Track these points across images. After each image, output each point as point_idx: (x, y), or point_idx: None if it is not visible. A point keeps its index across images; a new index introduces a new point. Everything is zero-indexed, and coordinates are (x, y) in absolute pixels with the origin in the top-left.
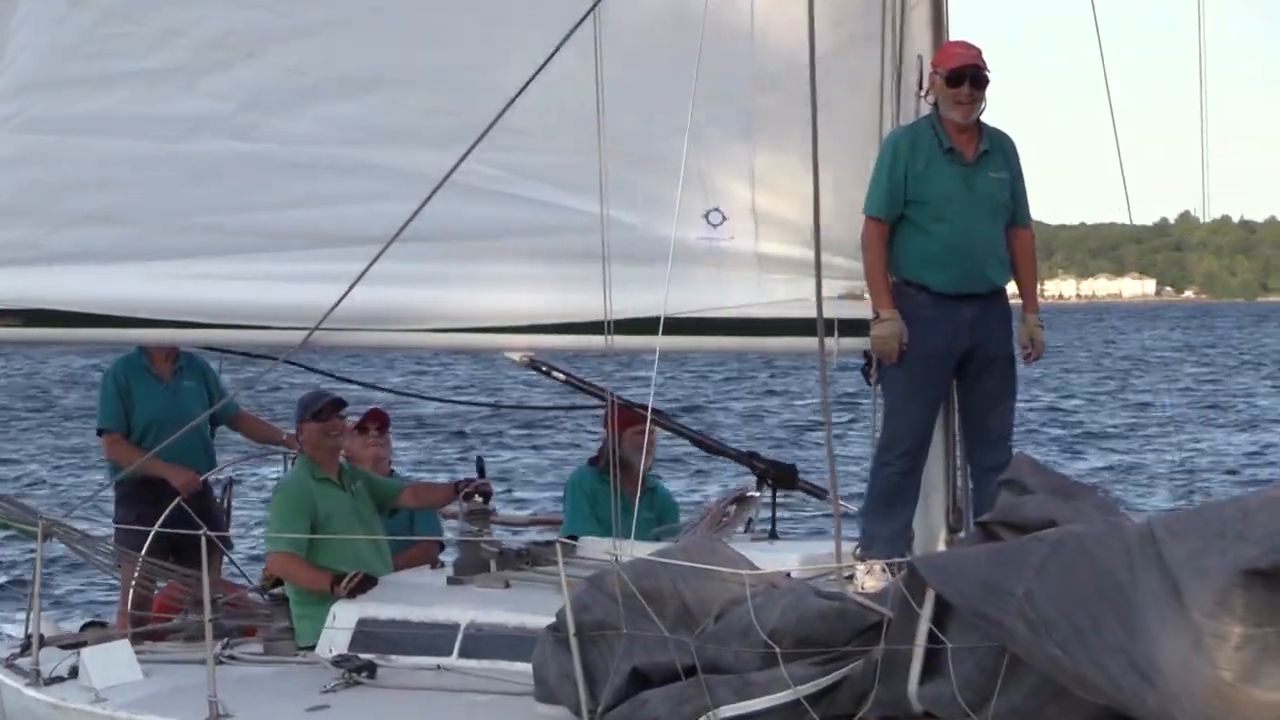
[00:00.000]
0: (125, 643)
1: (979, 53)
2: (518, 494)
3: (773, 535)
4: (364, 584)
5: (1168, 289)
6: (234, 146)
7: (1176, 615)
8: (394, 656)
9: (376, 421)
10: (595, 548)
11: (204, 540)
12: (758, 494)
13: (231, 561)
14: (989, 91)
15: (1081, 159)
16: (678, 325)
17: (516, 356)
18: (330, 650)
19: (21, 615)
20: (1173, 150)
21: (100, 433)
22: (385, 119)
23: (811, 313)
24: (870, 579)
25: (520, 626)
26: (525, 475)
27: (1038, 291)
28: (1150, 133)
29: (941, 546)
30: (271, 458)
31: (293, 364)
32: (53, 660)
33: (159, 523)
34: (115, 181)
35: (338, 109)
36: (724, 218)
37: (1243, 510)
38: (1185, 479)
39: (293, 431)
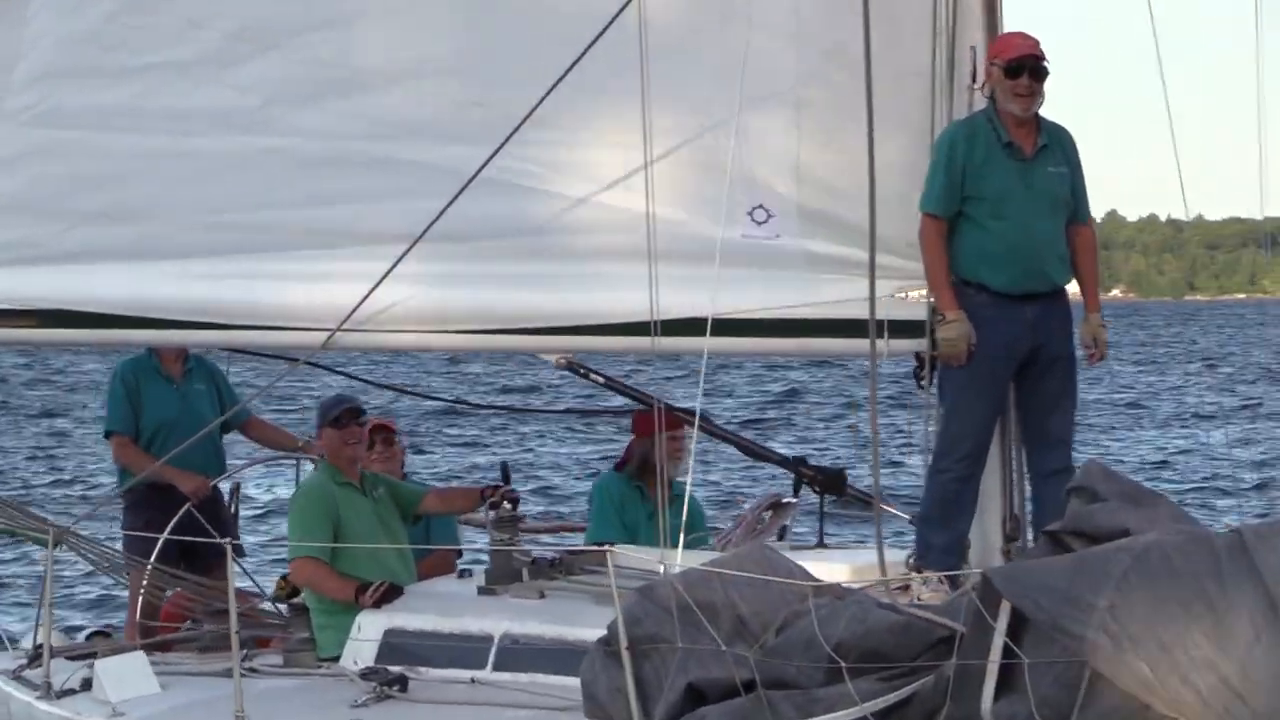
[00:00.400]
0: (141, 654)
1: (1037, 43)
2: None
3: (820, 544)
4: (390, 593)
5: None
6: (257, 141)
7: (1273, 628)
8: (423, 669)
9: (381, 434)
10: (633, 556)
11: (229, 549)
12: (795, 500)
13: (244, 571)
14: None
15: None
16: (724, 326)
17: (553, 358)
18: (355, 662)
19: (19, 624)
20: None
21: (108, 435)
22: (414, 112)
23: (861, 313)
24: (927, 590)
25: (559, 639)
26: (542, 479)
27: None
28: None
29: (998, 556)
30: (283, 463)
31: (314, 365)
32: (62, 672)
33: (168, 529)
34: (133, 177)
35: (365, 102)
36: (769, 215)
37: None
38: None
39: (308, 438)
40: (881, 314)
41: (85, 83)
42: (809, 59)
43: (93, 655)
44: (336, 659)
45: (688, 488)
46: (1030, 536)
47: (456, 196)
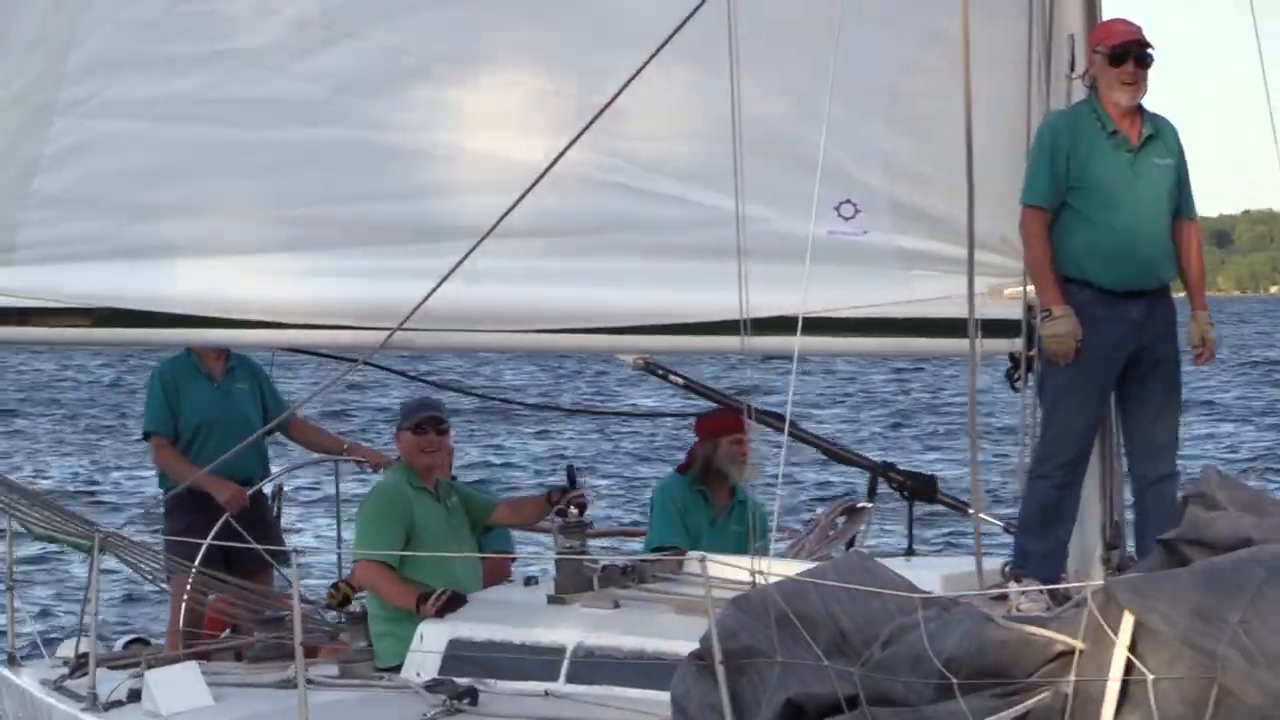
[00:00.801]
0: (193, 665)
1: (1140, 29)
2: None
3: (909, 552)
4: (452, 602)
5: None
6: (326, 133)
7: None
8: (491, 681)
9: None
10: (726, 565)
11: (294, 556)
12: (869, 505)
13: (282, 575)
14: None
15: None
16: (814, 325)
17: (629, 359)
18: (418, 674)
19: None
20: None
21: (146, 436)
22: (492, 103)
23: (954, 311)
24: (1026, 600)
25: (638, 651)
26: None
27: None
28: None
29: (1098, 564)
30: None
31: (375, 366)
32: (105, 682)
33: (211, 535)
34: (195, 171)
35: (441, 93)
36: (856, 210)
37: None
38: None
39: (354, 440)
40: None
41: (145, 72)
42: (902, 47)
43: (135, 664)
44: (396, 669)
45: (779, 494)
46: (1131, 545)
47: (529, 190)
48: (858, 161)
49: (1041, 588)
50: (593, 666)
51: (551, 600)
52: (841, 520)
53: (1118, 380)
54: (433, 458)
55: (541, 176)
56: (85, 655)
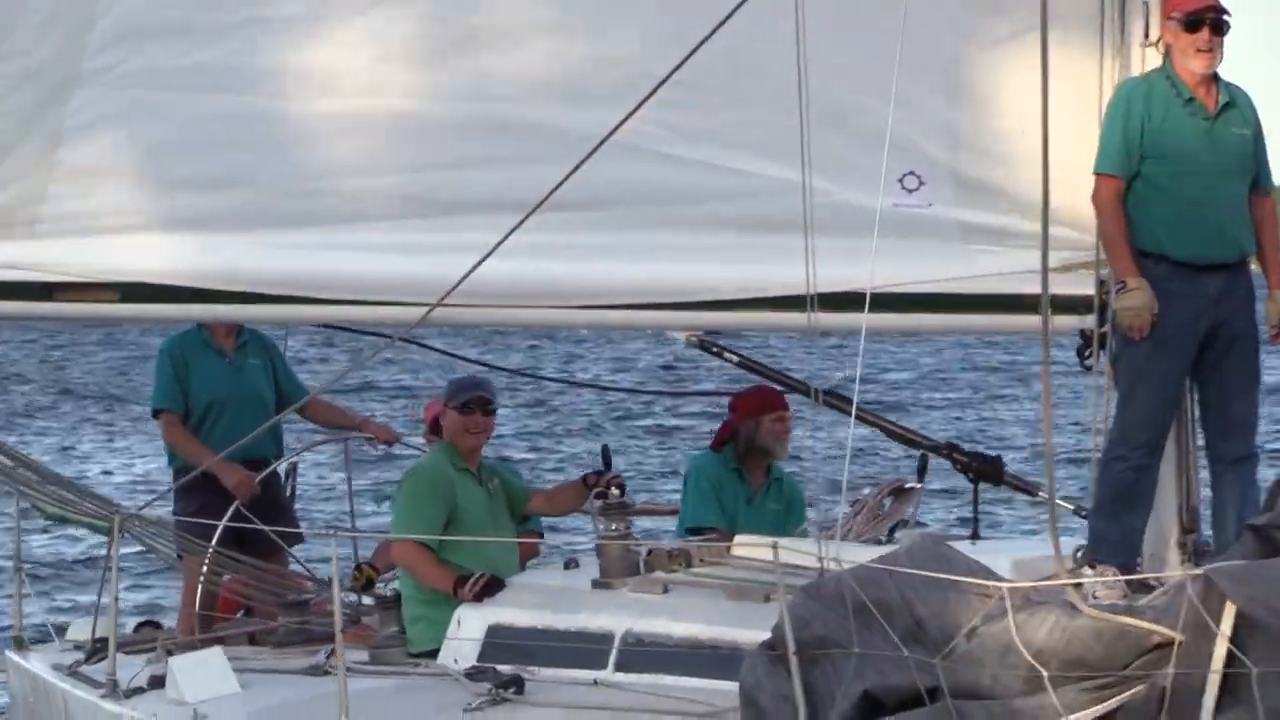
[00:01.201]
0: (218, 650)
1: None
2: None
3: (975, 535)
4: (491, 586)
5: None
6: (364, 104)
7: None
8: (534, 669)
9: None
10: (797, 551)
11: (334, 541)
12: (919, 485)
13: (296, 559)
14: None
15: None
16: (880, 301)
17: (682, 336)
18: (456, 661)
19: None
20: None
21: (156, 414)
22: (542, 72)
23: (1020, 287)
24: (1102, 588)
25: (691, 638)
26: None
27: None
28: None
29: (1173, 550)
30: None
31: (413, 343)
32: (123, 668)
33: (227, 516)
34: (225, 142)
35: (486, 61)
36: (920, 182)
37: None
38: None
39: (366, 415)
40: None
41: (175, 41)
42: (966, 15)
43: (151, 648)
44: (429, 655)
45: (844, 475)
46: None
47: (584, 161)
48: (921, 132)
49: (1128, 576)
50: (643, 654)
51: (596, 585)
52: (889, 502)
53: (1194, 358)
54: (478, 439)
55: (598, 147)
56: (102, 640)
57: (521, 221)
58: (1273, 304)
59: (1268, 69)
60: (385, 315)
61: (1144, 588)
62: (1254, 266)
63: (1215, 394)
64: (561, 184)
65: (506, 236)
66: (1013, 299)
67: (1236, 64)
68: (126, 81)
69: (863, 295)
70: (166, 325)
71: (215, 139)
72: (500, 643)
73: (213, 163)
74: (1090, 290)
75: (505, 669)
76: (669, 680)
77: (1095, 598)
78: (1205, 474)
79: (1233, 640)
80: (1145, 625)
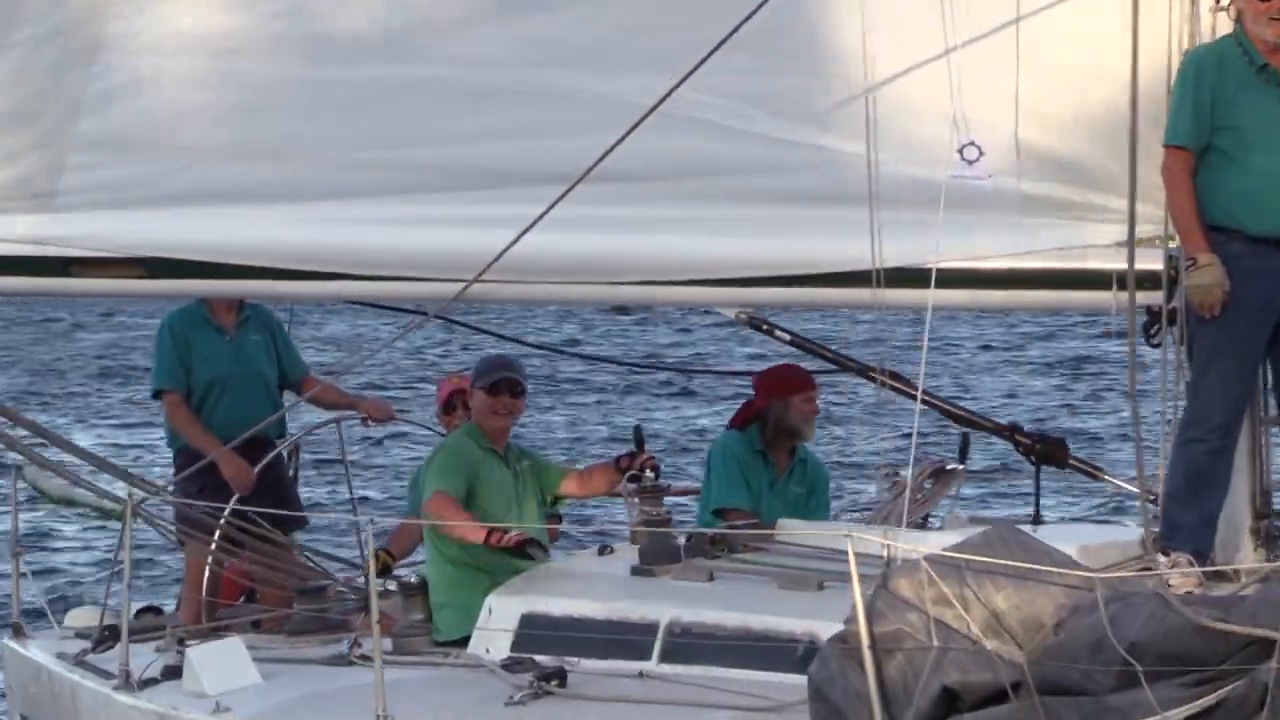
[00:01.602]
0: (238, 640)
1: None
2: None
3: (1036, 519)
4: (527, 545)
5: None
6: (401, 70)
7: None
8: (573, 660)
9: (464, 397)
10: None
11: (369, 527)
12: (960, 466)
13: (303, 549)
14: None
15: None
16: (945, 277)
17: (732, 313)
18: (487, 650)
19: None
20: None
21: (157, 394)
22: (584, 36)
23: (1084, 263)
24: (1178, 575)
25: (742, 629)
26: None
27: None
28: None
29: (1246, 535)
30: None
31: (449, 321)
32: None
33: (234, 499)
34: (257, 110)
35: (528, 26)
36: (980, 153)
37: None
38: None
39: (364, 396)
40: (1110, 264)
41: (201, 4)
42: None
43: (159, 635)
44: (456, 643)
45: (911, 461)
46: None
47: (631, 131)
48: (981, 99)
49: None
50: (690, 645)
51: (636, 572)
52: (929, 483)
53: (1270, 336)
54: (504, 420)
55: (645, 116)
56: (110, 627)
57: (564, 194)
58: None
59: None
60: (424, 291)
61: (1219, 576)
62: None
63: None
64: (605, 156)
65: (546, 211)
66: (1080, 274)
67: None
68: (155, 47)
69: (924, 271)
70: (177, 302)
71: (246, 106)
72: (535, 633)
73: (243, 132)
74: (1158, 265)
75: (543, 659)
76: (719, 672)
77: (1170, 586)
78: None
79: None
80: (1242, 631)
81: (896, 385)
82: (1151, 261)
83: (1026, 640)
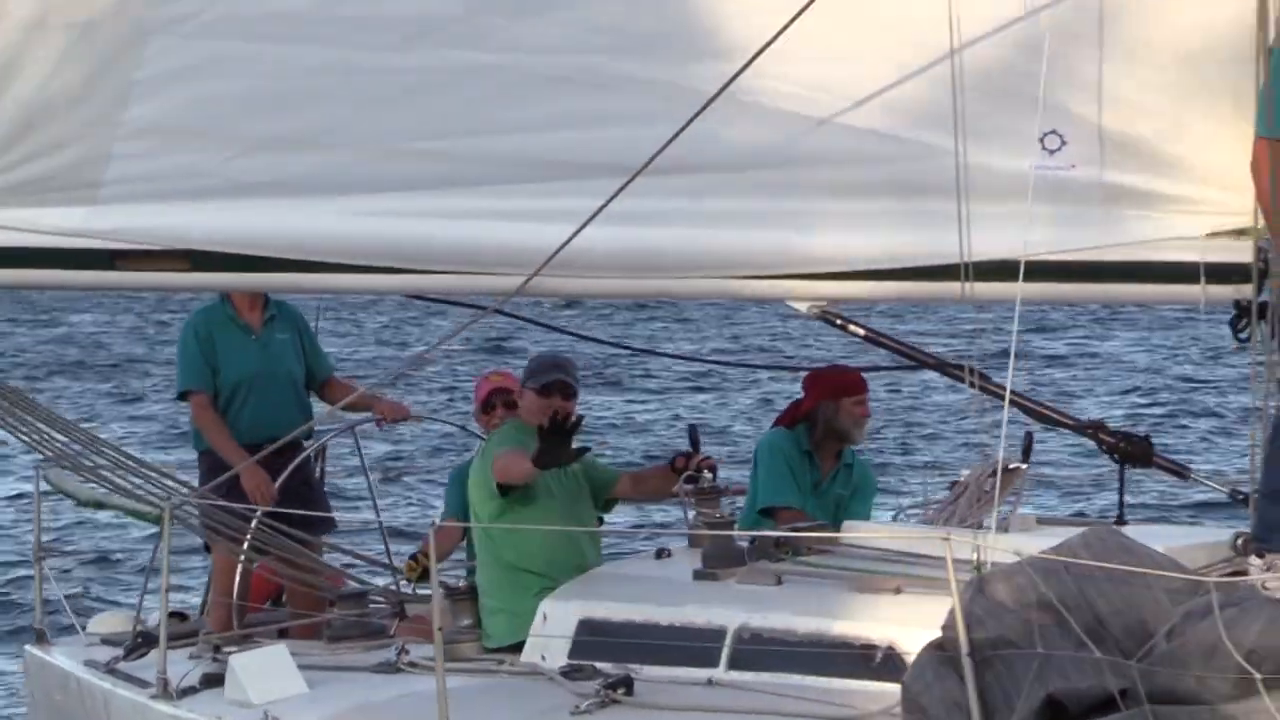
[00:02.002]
0: (282, 647)
1: None
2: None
3: (1120, 520)
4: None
5: None
6: (464, 57)
7: None
8: (635, 667)
9: (503, 396)
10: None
11: (433, 531)
12: (1024, 465)
13: (328, 545)
14: None
15: None
16: (1032, 270)
17: (804, 307)
18: (544, 658)
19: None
20: None
21: (183, 395)
22: (649, 23)
23: (1173, 255)
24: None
25: (815, 634)
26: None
27: None
28: None
29: None
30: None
31: (508, 315)
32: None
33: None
34: (313, 98)
35: (597, 10)
36: (1063, 142)
37: None
38: None
39: (384, 398)
40: (1197, 256)
41: None
42: None
43: (192, 642)
44: (508, 650)
45: (999, 464)
46: None
47: (693, 119)
48: (1064, 87)
49: None
50: (760, 651)
51: (699, 576)
52: (992, 483)
53: None
54: None
55: (709, 104)
56: (144, 634)
57: (625, 185)
58: None
59: None
60: (482, 285)
61: None
62: None
63: None
64: (667, 145)
65: (607, 203)
66: (1164, 267)
67: None
68: (207, 32)
69: (1013, 264)
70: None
71: (298, 95)
72: (594, 639)
73: (295, 121)
74: (1247, 258)
75: (604, 666)
76: (792, 679)
77: (1265, 589)
78: None
79: None
80: None
81: (986, 385)
82: (1240, 254)
83: (1132, 646)
